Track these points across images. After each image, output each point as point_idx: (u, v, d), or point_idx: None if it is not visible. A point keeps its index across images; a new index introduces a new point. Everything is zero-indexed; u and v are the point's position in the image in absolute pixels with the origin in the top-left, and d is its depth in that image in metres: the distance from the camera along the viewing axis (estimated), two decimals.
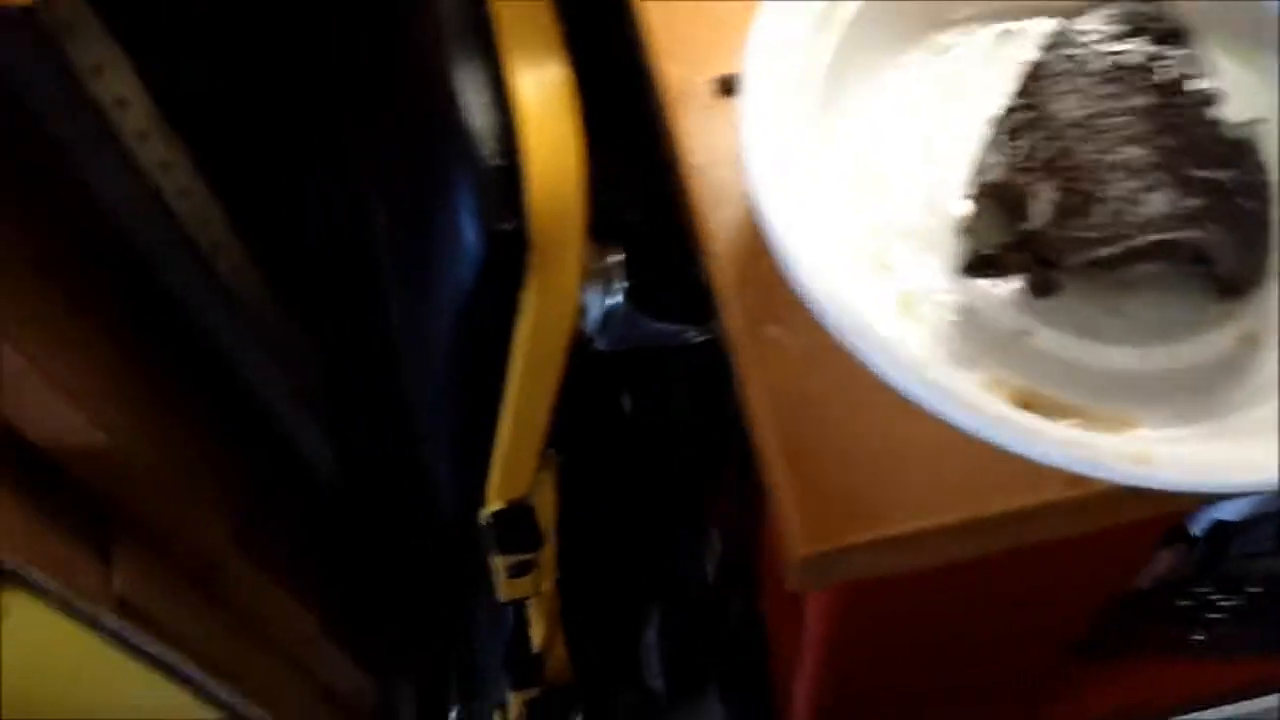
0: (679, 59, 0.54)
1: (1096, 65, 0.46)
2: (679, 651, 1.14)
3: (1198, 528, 0.76)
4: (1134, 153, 0.44)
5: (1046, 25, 0.49)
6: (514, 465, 0.71)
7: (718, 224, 0.50)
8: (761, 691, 1.01)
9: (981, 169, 0.45)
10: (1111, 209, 0.43)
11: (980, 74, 0.50)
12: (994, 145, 0.45)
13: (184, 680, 1.00)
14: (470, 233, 0.55)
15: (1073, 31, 0.47)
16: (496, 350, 0.61)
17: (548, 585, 0.78)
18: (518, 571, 0.74)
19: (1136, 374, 0.44)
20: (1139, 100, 0.46)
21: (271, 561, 0.97)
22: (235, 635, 0.99)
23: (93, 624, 0.84)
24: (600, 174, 0.56)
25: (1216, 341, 0.44)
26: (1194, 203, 0.43)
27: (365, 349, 1.00)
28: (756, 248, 0.46)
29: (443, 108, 0.55)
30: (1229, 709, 1.16)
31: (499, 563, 0.73)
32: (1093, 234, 0.43)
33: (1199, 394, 0.43)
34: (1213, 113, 0.46)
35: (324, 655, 1.12)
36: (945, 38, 0.51)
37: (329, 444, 1.08)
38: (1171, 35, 0.47)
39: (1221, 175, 0.44)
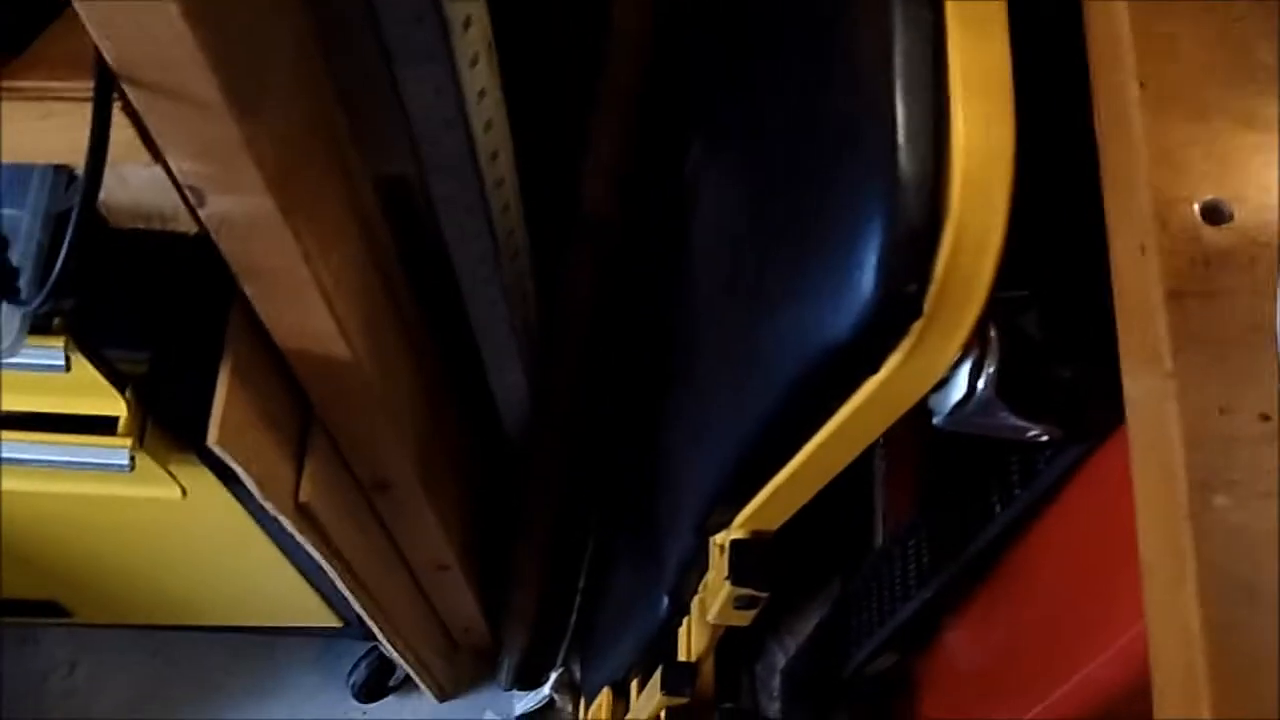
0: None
1: None
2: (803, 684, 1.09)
3: None
4: None
5: None
6: (777, 503, 0.65)
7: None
8: None
9: None
10: None
11: None
12: None
13: (323, 587, 0.97)
14: (865, 283, 0.48)
15: None
16: (835, 398, 0.55)
17: None
18: (745, 604, 0.69)
19: None
20: None
21: (434, 489, 0.93)
22: (382, 554, 0.95)
23: (264, 522, 0.80)
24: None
25: None
26: None
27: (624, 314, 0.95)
28: None
29: (871, 124, 0.48)
30: None
31: (727, 591, 0.67)
32: None
33: None
34: None
35: (450, 586, 1.09)
36: None
37: (530, 395, 1.04)
38: None
39: None
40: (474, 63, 0.64)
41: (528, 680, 1.22)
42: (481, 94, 0.67)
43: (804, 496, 0.63)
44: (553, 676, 1.20)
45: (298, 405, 0.72)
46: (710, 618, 0.71)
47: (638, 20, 0.83)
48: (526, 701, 1.22)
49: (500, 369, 0.95)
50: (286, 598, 0.97)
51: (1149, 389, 0.41)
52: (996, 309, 0.50)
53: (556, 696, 1.20)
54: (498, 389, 0.98)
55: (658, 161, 0.86)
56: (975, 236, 0.47)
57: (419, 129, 0.66)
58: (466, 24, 0.62)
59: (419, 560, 1.00)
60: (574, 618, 1.16)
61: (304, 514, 0.75)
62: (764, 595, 0.67)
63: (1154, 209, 0.42)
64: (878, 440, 0.55)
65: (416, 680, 1.18)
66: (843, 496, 0.64)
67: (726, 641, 0.84)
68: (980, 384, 0.53)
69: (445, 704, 1.25)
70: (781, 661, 1.14)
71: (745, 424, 0.61)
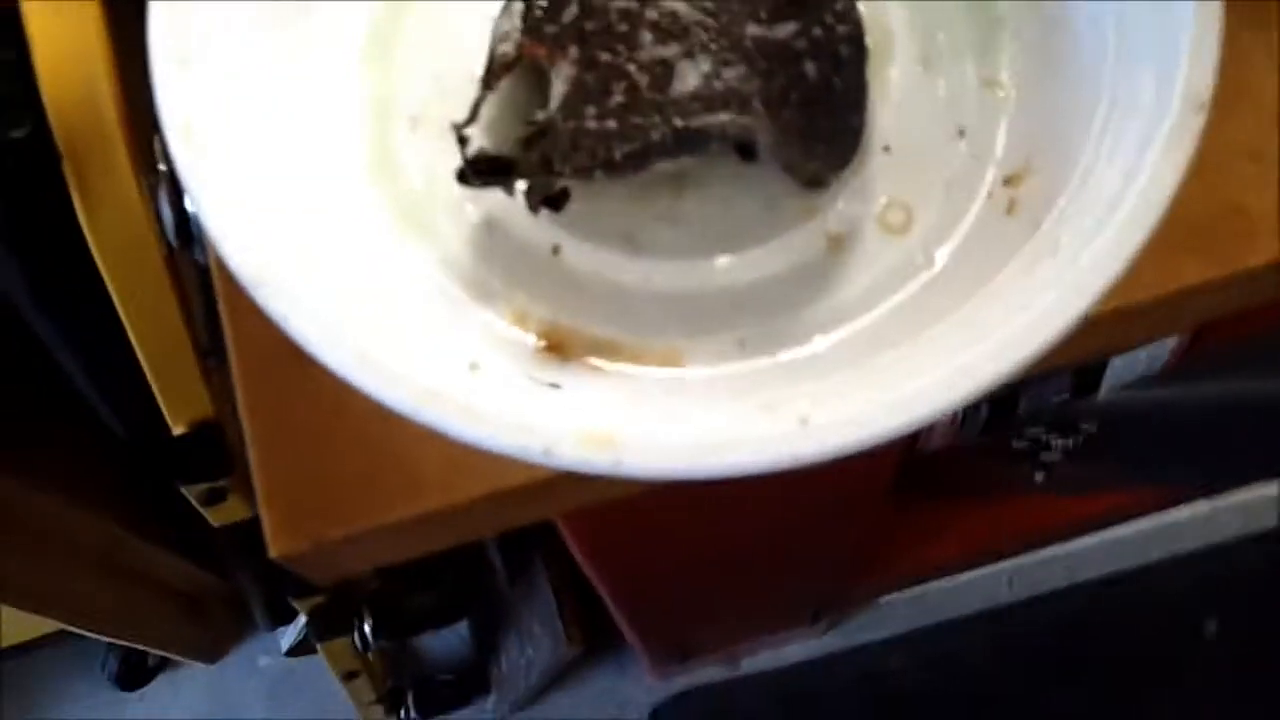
0: None
1: None
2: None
3: None
4: (677, 6, 0.34)
5: None
6: (173, 384, 0.62)
7: None
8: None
9: (498, 37, 0.35)
10: (633, 88, 0.33)
11: None
12: (510, 5, 0.35)
13: None
14: None
15: None
16: (75, 269, 0.52)
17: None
18: (212, 499, 0.66)
19: (691, 294, 0.35)
20: None
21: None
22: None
23: None
24: None
25: (793, 247, 0.35)
26: (735, 74, 0.33)
27: None
28: None
29: None
30: (1070, 545, 1.12)
31: (190, 493, 0.65)
32: (610, 123, 0.33)
33: (765, 316, 0.34)
34: None
35: (139, 558, 1.06)
36: None
37: None
38: None
39: (783, 32, 0.34)
40: None
41: (282, 614, 1.20)
42: None
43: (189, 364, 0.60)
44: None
45: None
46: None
47: None
48: (289, 635, 1.20)
49: None
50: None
51: None
52: None
53: None
54: None
55: None
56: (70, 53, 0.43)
57: None
58: None
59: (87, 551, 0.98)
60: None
61: None
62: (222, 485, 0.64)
63: None
64: None
65: (173, 657, 1.16)
66: None
67: None
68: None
69: (218, 665, 1.23)
70: None
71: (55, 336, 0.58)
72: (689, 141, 0.32)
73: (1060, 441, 0.93)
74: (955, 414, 0.75)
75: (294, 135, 0.34)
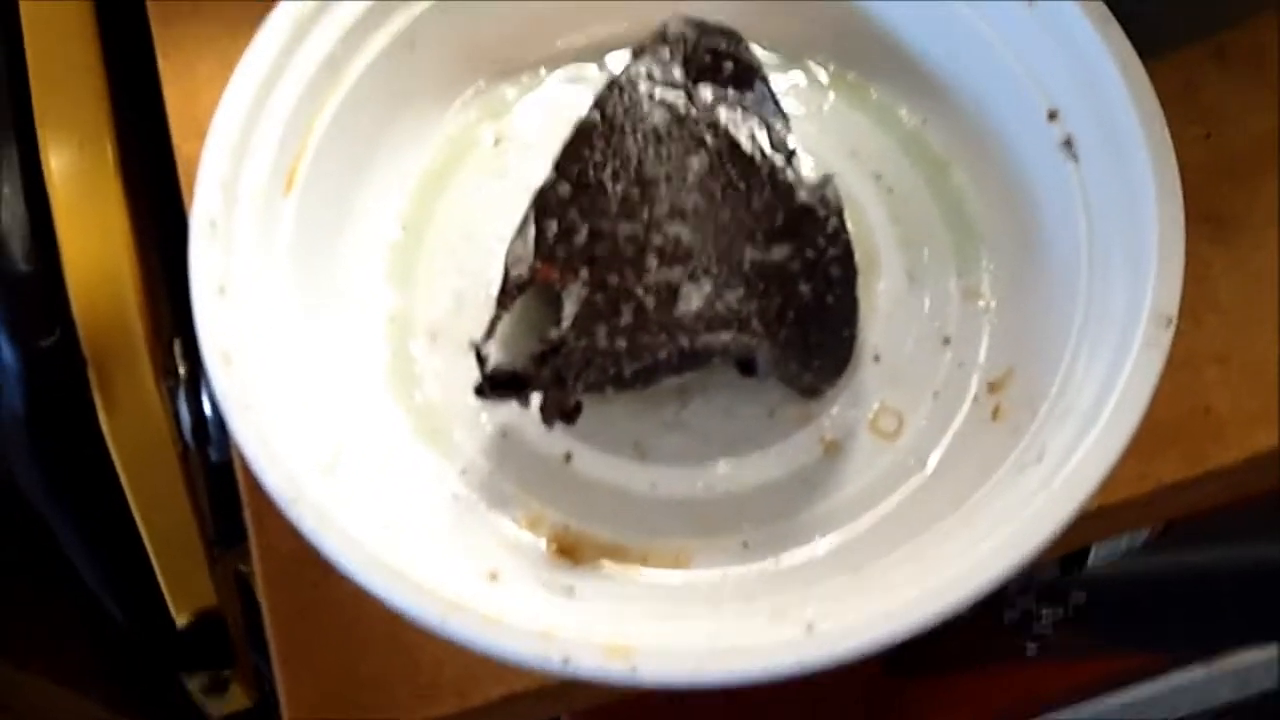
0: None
1: (651, 120, 0.39)
2: None
3: None
4: (681, 231, 0.37)
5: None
6: (179, 576, 0.63)
7: None
8: None
9: (511, 259, 0.37)
10: (640, 309, 0.35)
11: (540, 133, 0.42)
12: (524, 230, 0.38)
13: None
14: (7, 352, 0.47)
15: (629, 78, 0.40)
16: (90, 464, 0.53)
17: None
18: (214, 688, 0.67)
19: (696, 498, 0.36)
20: (695, 162, 0.38)
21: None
22: None
23: None
24: None
25: (791, 452, 0.37)
26: (734, 295, 0.35)
27: None
28: None
29: None
30: (1067, 712, 1.11)
31: (191, 682, 0.66)
32: (620, 342, 0.35)
33: (767, 519, 0.36)
34: (787, 173, 0.38)
35: None
36: (508, 89, 0.43)
37: None
38: (740, 75, 0.40)
39: (779, 255, 0.36)
40: None
41: None
42: None
43: (197, 556, 0.61)
44: None
45: None
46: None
47: None
48: None
49: None
50: None
51: None
52: None
53: None
54: None
55: None
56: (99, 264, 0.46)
57: None
58: None
59: None
60: None
61: None
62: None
63: None
64: None
65: None
66: None
67: None
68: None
69: None
70: None
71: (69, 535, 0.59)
72: (693, 359, 0.35)
73: (1051, 612, 0.94)
74: None
75: (322, 353, 0.36)
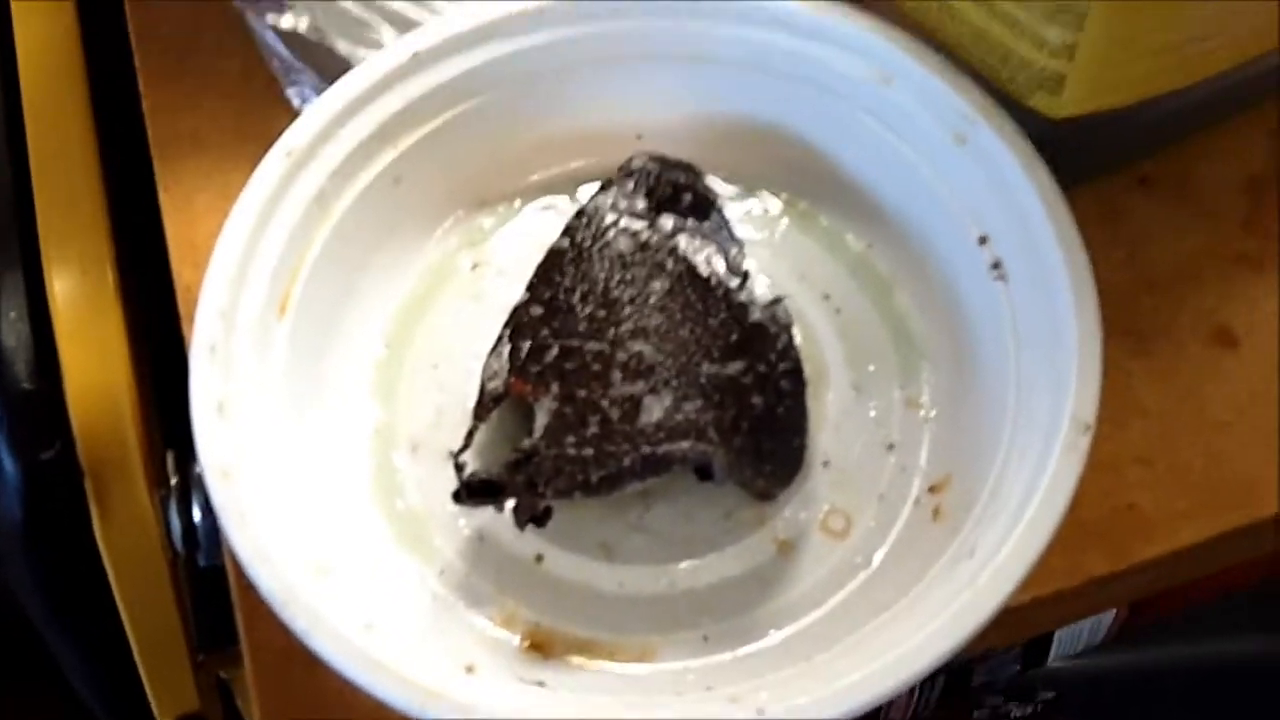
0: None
1: (617, 246, 0.42)
2: None
3: None
4: (643, 349, 0.40)
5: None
6: (164, 680, 0.65)
7: None
8: None
9: (488, 375, 0.41)
10: (606, 420, 0.38)
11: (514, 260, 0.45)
12: (499, 348, 0.41)
13: None
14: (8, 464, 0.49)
15: (596, 208, 0.43)
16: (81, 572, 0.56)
17: None
18: None
19: (659, 596, 0.39)
20: (657, 285, 0.41)
21: None
22: None
23: None
24: None
25: (747, 552, 0.40)
26: (693, 407, 0.39)
27: None
28: None
29: None
30: None
31: None
32: (587, 451, 0.38)
33: (725, 615, 0.39)
34: (741, 294, 0.41)
35: None
36: (485, 219, 0.47)
37: None
38: (698, 206, 0.43)
39: (733, 369, 0.40)
40: None
41: None
42: None
43: (183, 662, 0.63)
44: None
45: None
46: None
47: None
48: None
49: None
50: None
51: None
52: None
53: None
54: None
55: None
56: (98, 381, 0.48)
57: None
58: None
59: None
60: None
61: None
62: None
63: None
64: None
65: None
66: None
67: None
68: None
69: None
70: None
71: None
72: (655, 466, 0.38)
73: (1020, 710, 0.96)
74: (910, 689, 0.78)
75: (312, 465, 0.39)
